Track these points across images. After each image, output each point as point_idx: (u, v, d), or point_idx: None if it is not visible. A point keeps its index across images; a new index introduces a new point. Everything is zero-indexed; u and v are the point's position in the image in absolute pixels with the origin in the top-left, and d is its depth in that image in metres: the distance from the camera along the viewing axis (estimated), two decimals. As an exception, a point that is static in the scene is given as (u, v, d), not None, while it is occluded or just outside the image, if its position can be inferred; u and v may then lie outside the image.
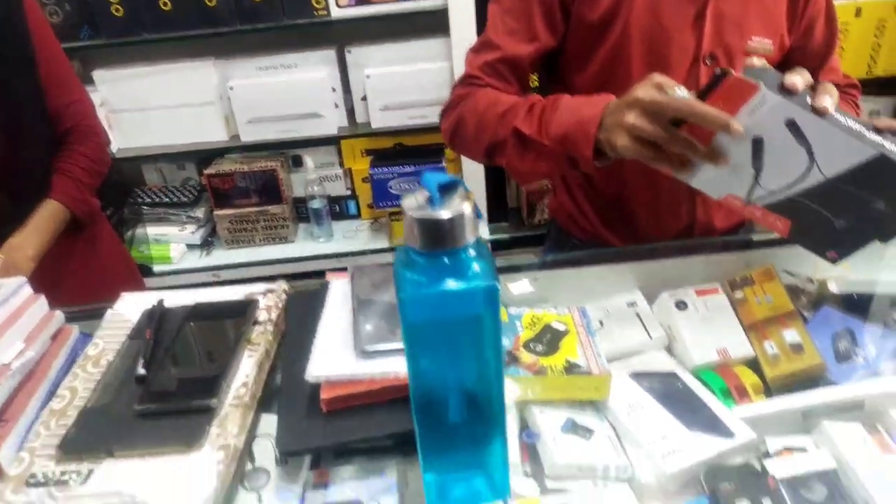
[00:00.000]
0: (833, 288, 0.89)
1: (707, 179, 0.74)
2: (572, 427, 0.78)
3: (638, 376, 0.84)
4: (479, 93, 1.01)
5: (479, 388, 0.54)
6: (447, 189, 0.48)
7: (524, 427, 0.80)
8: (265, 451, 0.76)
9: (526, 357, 0.81)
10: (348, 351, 0.73)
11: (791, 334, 0.83)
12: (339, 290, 0.85)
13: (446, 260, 0.47)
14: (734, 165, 0.75)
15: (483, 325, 0.50)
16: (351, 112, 2.17)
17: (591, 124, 0.85)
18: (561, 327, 0.87)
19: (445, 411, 0.55)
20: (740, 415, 0.76)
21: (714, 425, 0.75)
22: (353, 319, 0.77)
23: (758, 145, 0.75)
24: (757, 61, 0.73)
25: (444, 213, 0.46)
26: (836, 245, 0.68)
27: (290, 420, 0.71)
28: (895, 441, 0.73)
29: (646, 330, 0.90)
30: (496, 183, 2.30)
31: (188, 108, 2.12)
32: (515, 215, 2.44)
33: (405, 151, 2.11)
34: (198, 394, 0.72)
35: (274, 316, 0.86)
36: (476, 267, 0.48)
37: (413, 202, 0.47)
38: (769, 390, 0.82)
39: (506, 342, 0.83)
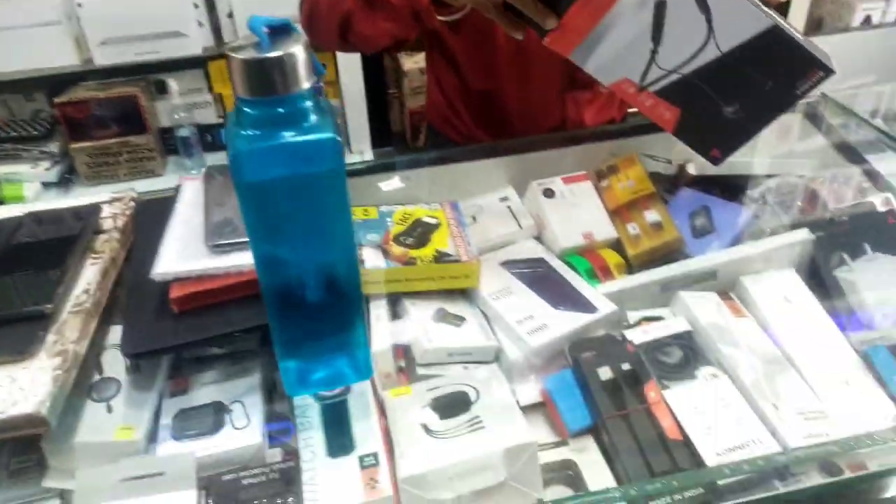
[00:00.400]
0: (691, 170, 0.93)
1: (601, 63, 0.72)
2: (443, 315, 0.78)
3: (508, 264, 0.84)
4: None
5: (330, 263, 0.52)
6: (278, 31, 0.44)
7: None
8: (115, 362, 0.71)
9: (396, 250, 0.79)
10: (198, 246, 0.68)
11: (651, 214, 0.86)
12: (190, 192, 0.79)
13: (280, 110, 0.43)
14: (632, 40, 0.74)
15: (325, 187, 0.47)
16: (217, 31, 2.01)
17: None
18: (432, 221, 0.86)
19: (297, 290, 0.52)
20: (603, 291, 0.78)
21: (578, 302, 0.77)
22: (203, 216, 0.72)
23: (659, 11, 0.74)
24: None
25: (272, 53, 0.42)
26: (720, 141, 0.67)
27: (136, 322, 0.66)
28: (746, 305, 0.77)
29: (516, 221, 0.90)
30: (378, 108, 2.24)
31: (31, 30, 1.91)
32: (399, 140, 2.40)
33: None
34: (31, 300, 0.65)
35: (120, 223, 0.79)
36: (314, 118, 0.44)
37: (239, 46, 0.43)
38: (632, 269, 0.84)
39: (376, 237, 0.81)
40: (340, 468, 0.61)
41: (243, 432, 0.66)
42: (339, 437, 0.63)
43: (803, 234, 0.78)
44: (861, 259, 0.77)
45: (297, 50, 0.43)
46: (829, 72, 0.66)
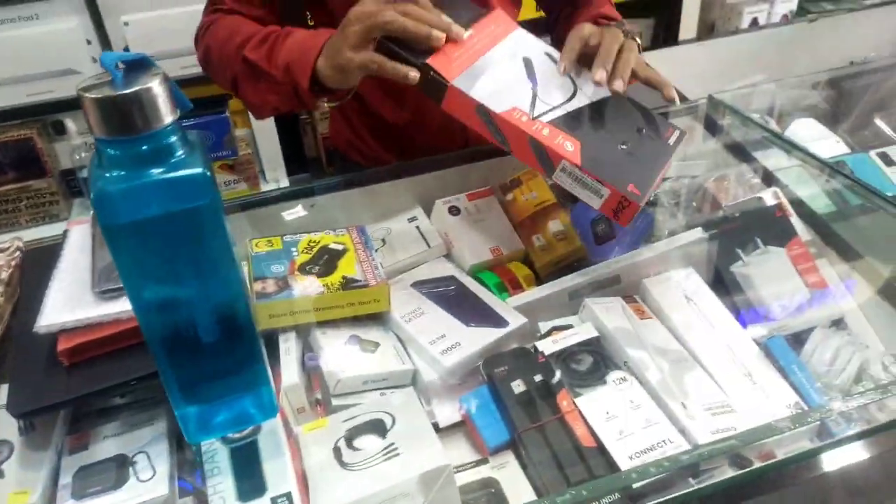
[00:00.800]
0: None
1: (487, 92, 0.73)
2: (357, 342, 0.77)
3: (418, 284, 0.83)
4: (221, 21, 0.95)
5: (214, 301, 0.50)
6: (134, 67, 0.42)
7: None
8: (6, 423, 0.66)
9: (301, 279, 0.77)
10: (85, 294, 0.65)
11: (555, 224, 0.87)
12: (77, 236, 0.75)
13: (142, 148, 0.41)
14: (514, 78, 0.76)
15: (199, 223, 0.45)
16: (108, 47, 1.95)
17: (312, 52, 0.81)
18: (339, 247, 0.84)
19: (182, 333, 0.50)
20: (513, 304, 0.78)
21: (489, 318, 0.77)
22: (90, 261, 0.69)
23: (528, 64, 0.78)
24: None
25: (126, 90, 0.40)
26: (633, 175, 0.70)
27: (23, 379, 0.62)
28: (649, 307, 0.79)
29: (425, 241, 0.90)
30: (291, 133, 2.21)
31: (-86, 75, 1.80)
32: (316, 165, 2.37)
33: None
34: None
35: (5, 275, 0.75)
36: (180, 153, 0.43)
37: (92, 85, 0.41)
38: (541, 280, 0.85)
39: (280, 269, 0.79)
40: (252, 513, 0.59)
41: (148, 484, 0.62)
42: (248, 479, 0.60)
43: (698, 234, 0.81)
44: (754, 253, 0.80)
45: (155, 85, 0.41)
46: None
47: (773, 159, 0.97)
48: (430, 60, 0.74)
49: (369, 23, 0.74)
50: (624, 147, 0.73)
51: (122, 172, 0.41)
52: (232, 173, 1.90)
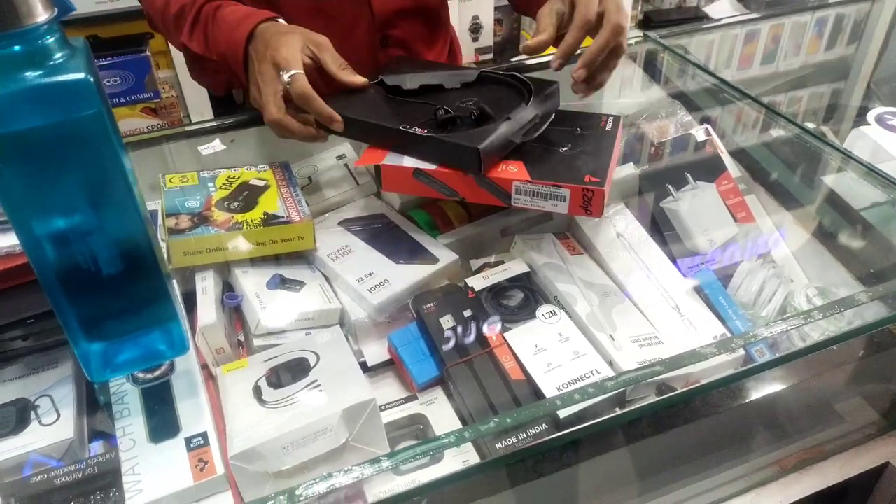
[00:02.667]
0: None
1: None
2: (280, 282, 0.73)
3: (346, 222, 0.80)
4: None
5: (108, 229, 0.45)
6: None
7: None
8: None
9: (219, 216, 0.73)
10: (-26, 225, 0.59)
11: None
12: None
13: (15, 49, 0.37)
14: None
15: (82, 137, 0.41)
16: None
17: (237, 51, 0.78)
18: (260, 183, 0.80)
19: (74, 265, 0.45)
20: (444, 241, 0.76)
21: (419, 255, 0.75)
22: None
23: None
24: None
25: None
26: (584, 168, 0.69)
27: None
28: (580, 244, 0.78)
29: (354, 178, 0.87)
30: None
31: None
32: (243, 108, 2.29)
33: (102, 44, 1.83)
34: None
35: None
36: (58, 56, 0.38)
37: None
38: (473, 219, 0.83)
39: (195, 204, 0.75)
40: (165, 453, 0.56)
41: (52, 428, 0.59)
42: (161, 419, 0.57)
43: (629, 169, 0.80)
44: (684, 189, 0.80)
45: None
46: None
47: (707, 98, 0.96)
48: (357, 163, 0.79)
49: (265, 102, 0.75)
50: (566, 149, 0.73)
51: (-11, 78, 0.37)
52: (155, 117, 1.81)
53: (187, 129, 0.88)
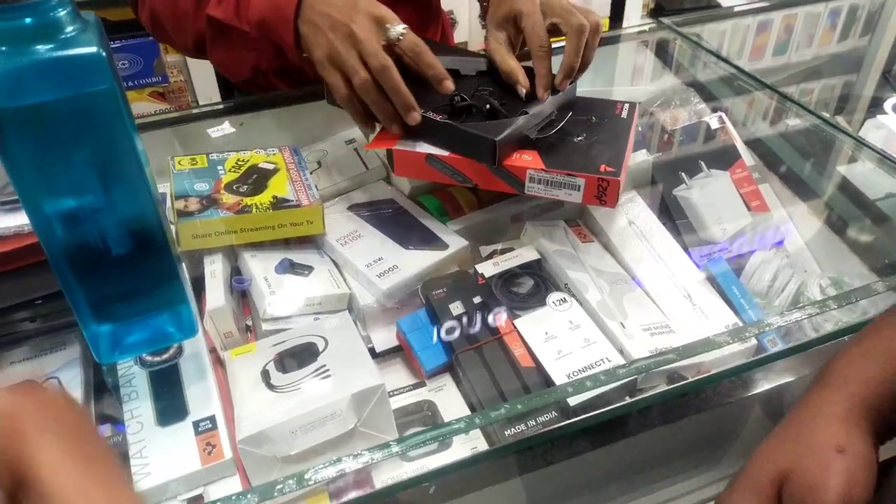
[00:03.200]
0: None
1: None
2: (289, 266, 0.73)
3: (356, 207, 0.80)
4: None
5: (118, 208, 0.45)
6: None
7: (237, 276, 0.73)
8: None
9: (228, 198, 0.73)
10: (-18, 205, 0.59)
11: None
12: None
13: (26, 21, 0.36)
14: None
15: (93, 113, 0.40)
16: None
17: (287, 8, 0.73)
18: (269, 167, 0.80)
19: (84, 244, 0.45)
20: (454, 228, 0.76)
21: (428, 240, 0.74)
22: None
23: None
24: None
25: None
26: (599, 157, 0.69)
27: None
28: (592, 231, 0.77)
29: (363, 163, 0.86)
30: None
31: None
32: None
33: (110, 27, 1.82)
34: None
35: None
36: (70, 29, 0.37)
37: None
38: (483, 205, 0.82)
39: (204, 187, 0.74)
40: (173, 437, 0.56)
41: (60, 411, 0.58)
42: (169, 403, 0.57)
43: (642, 156, 0.79)
44: (698, 177, 0.79)
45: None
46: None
47: (721, 86, 0.95)
48: (367, 146, 0.77)
49: (366, 54, 0.68)
50: (580, 139, 0.72)
51: (2, 49, 0.36)
52: (163, 101, 1.80)
53: (194, 111, 0.87)
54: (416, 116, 0.70)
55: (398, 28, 0.69)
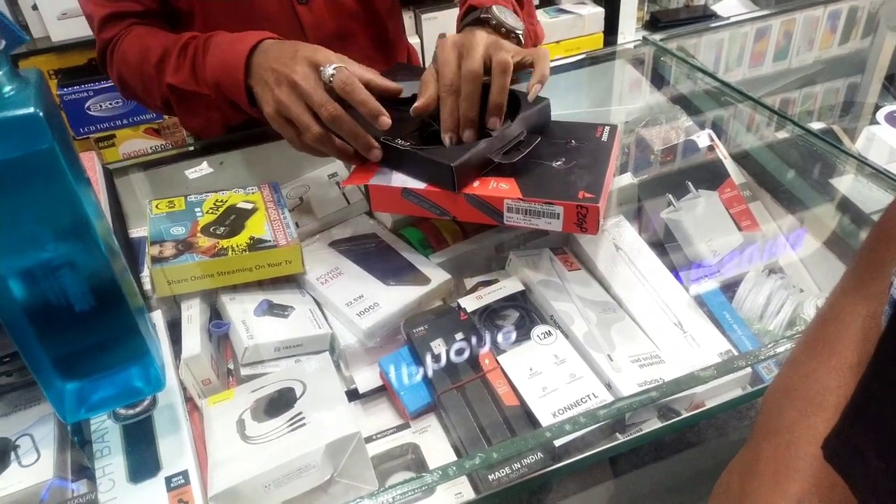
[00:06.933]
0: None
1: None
2: (268, 308, 0.71)
3: (337, 243, 0.78)
4: (124, 42, 0.86)
5: (70, 265, 0.43)
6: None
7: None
8: None
9: (203, 242, 0.72)
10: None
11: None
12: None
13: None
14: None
15: (32, 174, 0.39)
16: (25, 27, 1.82)
17: (237, 70, 0.74)
18: (248, 206, 0.78)
19: (37, 304, 0.44)
20: (437, 260, 0.74)
21: (410, 275, 0.72)
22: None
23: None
24: None
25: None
26: (578, 183, 0.67)
27: None
28: (578, 258, 0.75)
29: (345, 198, 0.85)
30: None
31: None
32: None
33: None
34: None
35: None
36: (7, 89, 0.36)
37: None
38: (467, 236, 0.81)
39: (180, 230, 0.73)
40: (144, 493, 0.54)
41: (32, 469, 0.57)
42: (141, 458, 0.56)
43: (627, 179, 0.77)
44: (686, 198, 0.77)
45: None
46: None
47: (710, 102, 0.93)
48: (343, 183, 0.77)
49: (308, 99, 0.69)
50: (559, 163, 0.71)
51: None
52: (158, 137, 1.81)
53: (173, 152, 0.86)
54: (376, 154, 0.70)
55: (328, 70, 0.69)
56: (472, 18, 0.76)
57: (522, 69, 0.71)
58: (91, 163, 0.83)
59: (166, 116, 1.81)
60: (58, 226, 0.42)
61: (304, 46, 0.72)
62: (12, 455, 0.59)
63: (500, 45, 0.70)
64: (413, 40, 1.89)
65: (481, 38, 0.70)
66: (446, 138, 0.70)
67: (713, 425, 0.62)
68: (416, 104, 0.71)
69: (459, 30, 0.80)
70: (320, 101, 0.68)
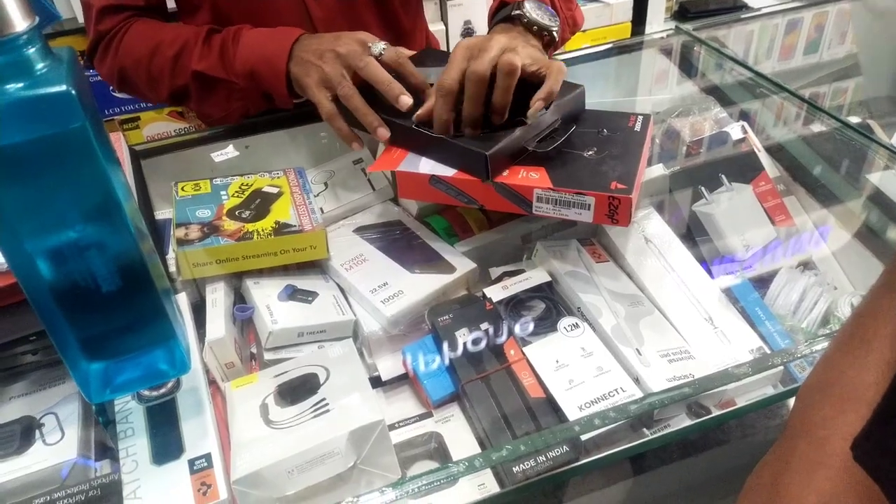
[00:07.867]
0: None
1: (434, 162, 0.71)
2: (292, 293, 0.71)
3: (362, 230, 0.78)
4: (129, 33, 0.86)
5: (97, 245, 0.43)
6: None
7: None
8: None
9: (229, 225, 0.71)
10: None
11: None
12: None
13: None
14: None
15: (63, 153, 0.38)
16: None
17: (279, 58, 0.77)
18: (273, 190, 0.78)
19: (65, 284, 0.43)
20: (462, 249, 0.73)
21: (435, 264, 0.72)
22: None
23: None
24: None
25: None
26: (611, 173, 0.65)
27: None
28: (606, 249, 0.74)
29: (370, 184, 0.84)
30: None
31: None
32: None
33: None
34: None
35: None
36: (40, 67, 0.36)
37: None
38: (493, 225, 0.80)
39: (206, 213, 0.73)
40: (167, 475, 0.54)
41: (56, 447, 0.57)
42: (165, 440, 0.55)
43: (658, 170, 0.76)
44: (718, 191, 0.75)
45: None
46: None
47: (743, 93, 0.91)
48: (370, 168, 0.76)
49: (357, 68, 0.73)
50: (591, 154, 0.69)
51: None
52: (182, 120, 1.81)
53: (199, 135, 0.86)
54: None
55: (380, 45, 0.74)
56: (504, 16, 0.75)
57: (535, 79, 0.69)
58: (118, 144, 0.83)
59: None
60: (87, 206, 0.41)
61: (346, 34, 0.76)
62: (37, 433, 0.59)
63: (515, 50, 0.68)
64: (438, 27, 1.87)
65: (497, 42, 0.68)
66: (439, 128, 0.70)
67: (741, 424, 0.61)
68: (417, 112, 0.71)
69: (491, 26, 0.78)
70: (364, 64, 0.73)
